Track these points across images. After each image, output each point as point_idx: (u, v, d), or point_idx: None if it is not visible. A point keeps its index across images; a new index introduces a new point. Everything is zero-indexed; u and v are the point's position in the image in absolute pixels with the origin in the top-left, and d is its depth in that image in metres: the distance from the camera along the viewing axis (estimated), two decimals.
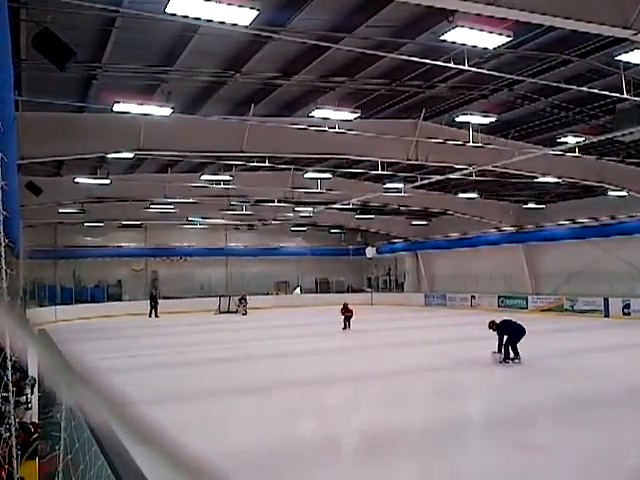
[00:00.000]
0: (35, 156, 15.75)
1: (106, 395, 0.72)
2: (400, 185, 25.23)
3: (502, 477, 7.06)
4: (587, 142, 17.21)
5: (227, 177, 23.12)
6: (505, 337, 14.69)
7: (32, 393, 6.12)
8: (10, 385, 3.00)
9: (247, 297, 36.77)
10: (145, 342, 21.91)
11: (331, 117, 14.51)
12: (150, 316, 34.28)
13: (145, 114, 13.54)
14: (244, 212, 32.78)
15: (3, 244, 2.83)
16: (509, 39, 9.64)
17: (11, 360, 3.03)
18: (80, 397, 0.75)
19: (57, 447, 3.18)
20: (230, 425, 9.83)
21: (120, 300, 38.86)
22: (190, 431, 8.25)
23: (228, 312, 36.24)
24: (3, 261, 2.92)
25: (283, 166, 22.62)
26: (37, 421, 5.20)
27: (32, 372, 7.57)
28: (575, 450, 7.89)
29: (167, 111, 13.28)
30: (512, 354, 14.71)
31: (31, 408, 5.89)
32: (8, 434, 3.26)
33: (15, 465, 3.12)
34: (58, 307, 30.96)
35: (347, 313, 24.45)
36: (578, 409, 10.08)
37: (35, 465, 4.05)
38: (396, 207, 32.16)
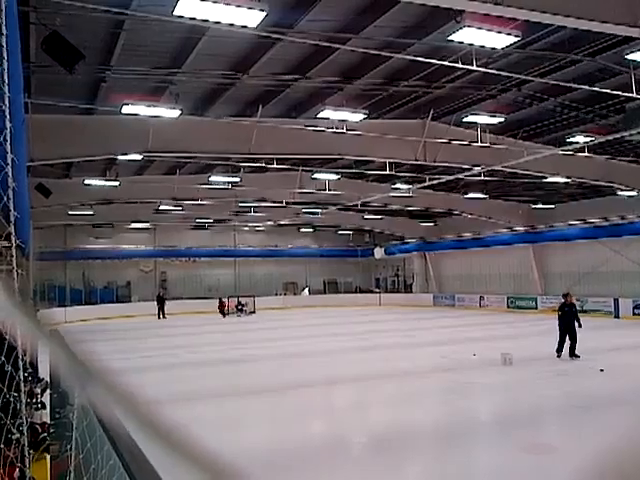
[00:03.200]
0: (45, 158, 15.85)
1: (124, 394, 0.72)
2: (408, 185, 25.20)
3: (509, 478, 7.03)
4: (596, 142, 17.14)
5: (235, 178, 23.18)
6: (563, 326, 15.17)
7: (42, 395, 6.16)
8: (22, 385, 3.02)
9: (241, 302, 37.02)
10: (154, 343, 22.00)
11: (339, 118, 14.52)
12: (159, 317, 34.44)
13: (154, 116, 13.59)
14: (253, 213, 32.85)
15: (14, 245, 2.86)
16: (517, 39, 9.62)
17: (22, 360, 3.05)
18: (96, 396, 0.75)
19: (69, 447, 3.20)
20: (241, 425, 9.85)
21: (129, 301, 39.03)
22: (200, 432, 8.26)
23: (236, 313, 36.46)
24: (15, 262, 2.94)
25: (291, 167, 22.64)
26: (49, 421, 5.23)
27: (43, 372, 7.62)
28: (584, 451, 7.85)
29: (175, 113, 13.33)
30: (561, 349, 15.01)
31: (40, 409, 5.92)
32: (19, 434, 3.28)
33: (27, 465, 3.14)
34: (68, 308, 31.13)
35: (221, 306, 35.06)
36: (587, 409, 10.03)
37: (46, 465, 4.07)
38: (404, 208, 32.12)
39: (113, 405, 0.72)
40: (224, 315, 34.78)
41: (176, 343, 21.53)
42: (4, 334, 2.87)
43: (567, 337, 15.26)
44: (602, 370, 13.18)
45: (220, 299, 36.02)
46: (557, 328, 15.57)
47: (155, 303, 35.37)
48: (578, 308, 29.45)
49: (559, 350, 15.27)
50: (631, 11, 8.60)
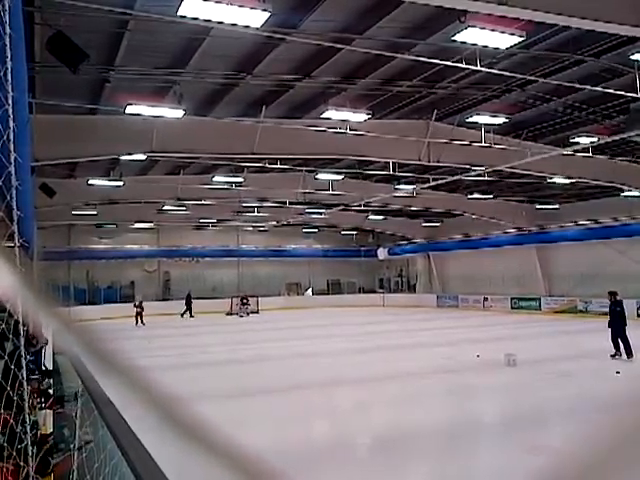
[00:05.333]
0: (49, 158, 15.89)
1: (155, 391, 0.72)
2: (412, 186, 25.18)
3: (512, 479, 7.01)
4: (600, 142, 17.09)
5: (239, 178, 23.20)
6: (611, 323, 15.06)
7: (47, 389, 6.16)
8: (25, 383, 3.02)
9: (248, 298, 37.08)
10: (160, 342, 22.02)
11: (343, 118, 14.52)
12: (183, 316, 34.67)
13: (157, 116, 13.61)
14: (256, 213, 32.87)
15: (18, 244, 2.86)
16: (521, 39, 9.60)
17: (26, 359, 3.06)
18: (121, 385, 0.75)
19: (72, 446, 3.21)
20: (244, 426, 9.84)
21: (133, 301, 39.05)
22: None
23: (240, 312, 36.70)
24: (18, 261, 2.95)
25: (294, 167, 22.64)
26: (52, 420, 5.24)
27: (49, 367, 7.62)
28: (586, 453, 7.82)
29: (179, 113, 13.34)
30: (616, 349, 14.89)
31: (44, 408, 5.93)
32: (23, 433, 3.29)
33: (30, 464, 3.15)
34: (72, 308, 31.15)
35: (138, 309, 30.32)
36: (590, 411, 9.99)
37: (49, 464, 4.08)
38: (408, 208, 32.09)
39: (141, 403, 0.72)
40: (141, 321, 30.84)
41: (181, 343, 21.56)
42: (8, 333, 2.88)
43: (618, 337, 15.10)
44: (618, 373, 13.08)
45: (140, 302, 31.94)
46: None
47: (184, 302, 35.58)
48: (581, 309, 29.61)
49: (615, 348, 15.10)
50: (635, 11, 8.58)
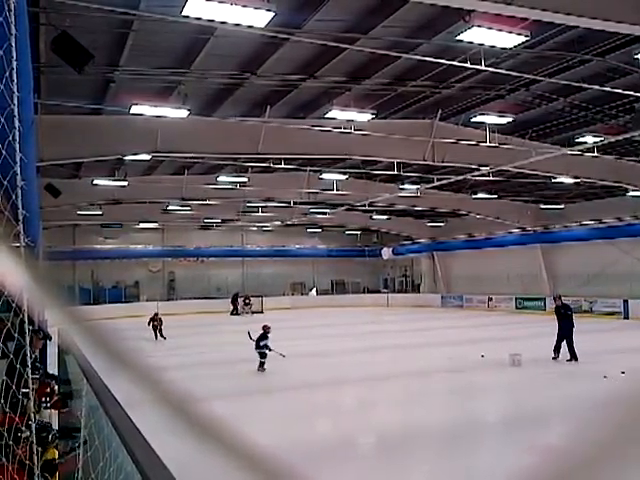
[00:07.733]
0: (54, 158, 15.93)
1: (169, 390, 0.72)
2: (416, 186, 25.15)
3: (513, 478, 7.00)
4: (606, 142, 17.03)
5: (243, 178, 23.22)
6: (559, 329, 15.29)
7: (52, 388, 6.19)
8: (30, 382, 3.03)
9: (250, 298, 37.49)
10: (164, 343, 22.05)
11: (347, 118, 14.52)
12: (232, 314, 35.95)
13: (162, 116, 13.63)
14: (260, 213, 32.88)
15: (24, 244, 2.87)
16: (526, 38, 9.58)
17: (31, 358, 3.07)
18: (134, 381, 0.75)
19: (77, 445, 3.22)
20: (249, 424, 9.86)
21: (138, 301, 39.14)
22: None
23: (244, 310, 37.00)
24: (25, 260, 2.95)
25: (299, 167, 22.65)
26: (57, 419, 5.27)
27: (51, 369, 7.65)
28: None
29: (184, 113, 13.37)
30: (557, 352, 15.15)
31: (49, 407, 5.95)
32: (28, 432, 3.30)
33: (36, 463, 3.16)
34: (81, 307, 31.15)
35: (155, 322, 24.31)
36: (595, 411, 9.96)
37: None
38: (412, 208, 32.05)
39: (153, 400, 0.72)
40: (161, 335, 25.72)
41: (186, 343, 21.58)
42: (14, 332, 2.89)
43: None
44: (623, 373, 13.01)
45: (156, 314, 26.44)
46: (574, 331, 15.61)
47: (230, 300, 36.97)
48: (586, 309, 29.47)
49: (555, 351, 15.42)
50: (638, 9, 8.53)
